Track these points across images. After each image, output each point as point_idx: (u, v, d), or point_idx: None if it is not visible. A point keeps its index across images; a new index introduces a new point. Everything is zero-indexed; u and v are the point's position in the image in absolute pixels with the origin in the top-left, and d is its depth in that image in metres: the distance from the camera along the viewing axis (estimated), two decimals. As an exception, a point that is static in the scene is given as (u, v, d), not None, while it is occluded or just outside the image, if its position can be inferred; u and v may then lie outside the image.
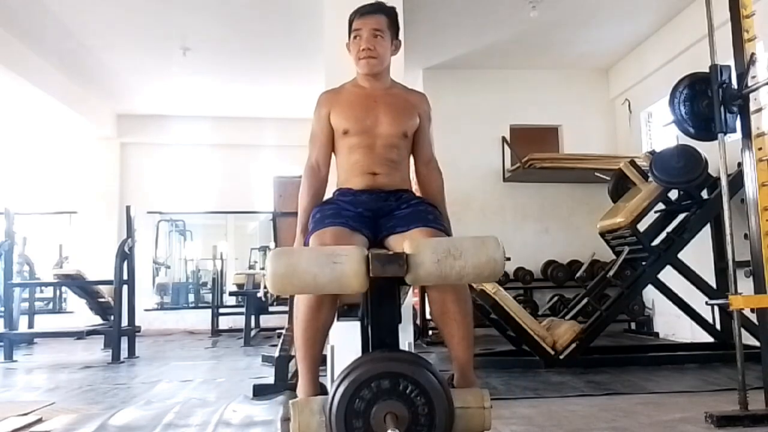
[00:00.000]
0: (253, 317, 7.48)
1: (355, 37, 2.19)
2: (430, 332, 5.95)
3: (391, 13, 2.24)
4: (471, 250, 1.56)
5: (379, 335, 1.70)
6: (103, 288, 6.56)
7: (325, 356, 2.05)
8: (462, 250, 1.56)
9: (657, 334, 6.57)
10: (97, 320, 6.83)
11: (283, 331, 4.42)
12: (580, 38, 6.79)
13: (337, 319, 2.00)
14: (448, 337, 1.93)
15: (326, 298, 1.85)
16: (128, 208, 6.09)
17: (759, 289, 2.73)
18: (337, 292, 1.68)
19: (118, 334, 5.64)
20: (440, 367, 4.77)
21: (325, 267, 1.54)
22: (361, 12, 2.20)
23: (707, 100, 2.95)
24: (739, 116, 2.82)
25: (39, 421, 2.99)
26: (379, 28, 2.17)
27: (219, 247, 9.04)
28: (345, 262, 1.55)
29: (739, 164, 3.11)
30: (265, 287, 6.66)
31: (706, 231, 4.93)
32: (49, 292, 9.25)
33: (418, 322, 5.90)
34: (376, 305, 1.69)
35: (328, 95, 2.29)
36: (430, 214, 2.08)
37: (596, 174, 6.01)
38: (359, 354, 2.09)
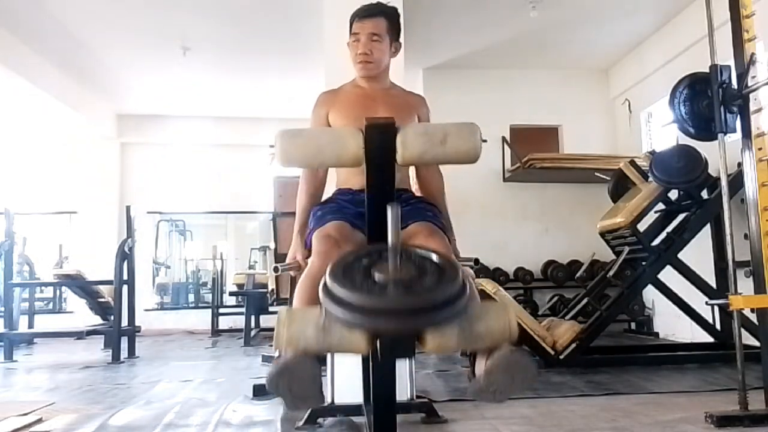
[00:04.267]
0: (253, 317, 7.48)
1: (354, 41, 2.19)
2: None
3: (391, 15, 2.22)
4: (451, 124, 1.67)
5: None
6: (103, 288, 6.56)
7: (324, 358, 2.04)
8: (443, 125, 1.67)
9: (657, 334, 6.56)
10: (97, 320, 6.84)
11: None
12: (580, 38, 6.79)
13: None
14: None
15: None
16: (128, 208, 6.09)
17: (759, 289, 2.73)
18: (337, 161, 1.72)
19: (118, 334, 5.64)
20: (440, 367, 4.77)
21: (325, 134, 1.77)
22: (360, 15, 2.19)
23: (707, 100, 2.96)
24: (739, 116, 2.83)
25: (39, 421, 2.99)
26: (377, 32, 2.17)
27: (219, 247, 9.04)
28: (343, 131, 1.73)
29: (739, 164, 3.11)
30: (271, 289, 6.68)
31: (706, 231, 4.93)
32: (49, 292, 9.26)
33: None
34: (373, 173, 1.71)
35: (327, 95, 2.29)
36: (428, 211, 2.09)
37: (596, 174, 6.01)
38: (359, 357, 2.09)
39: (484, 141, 1.67)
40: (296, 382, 1.32)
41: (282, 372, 1.31)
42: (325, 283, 1.30)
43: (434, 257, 1.36)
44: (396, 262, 1.28)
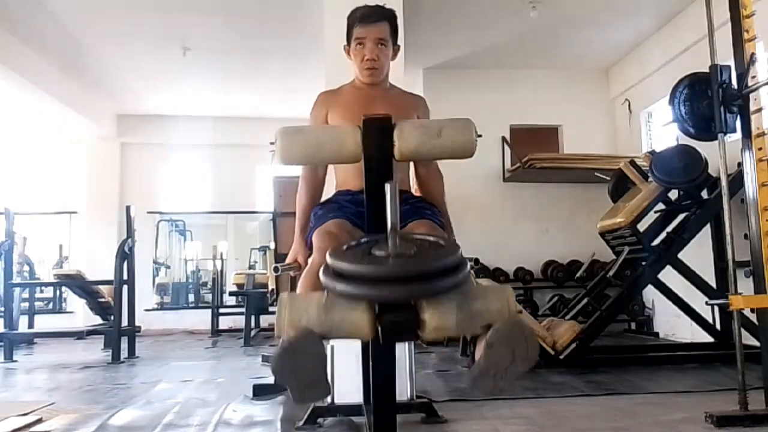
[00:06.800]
0: (253, 317, 7.48)
1: (358, 45, 2.13)
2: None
3: (392, 19, 2.18)
4: (447, 120, 1.72)
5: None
6: (103, 288, 6.56)
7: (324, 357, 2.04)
8: (439, 120, 1.73)
9: (657, 334, 6.56)
10: (97, 320, 6.83)
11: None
12: (580, 38, 6.79)
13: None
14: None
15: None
16: (128, 208, 6.09)
17: (759, 289, 2.73)
18: (336, 157, 1.78)
19: (118, 334, 5.64)
20: (440, 367, 4.78)
21: (324, 131, 1.83)
22: (365, 20, 2.12)
23: (707, 100, 2.96)
24: (739, 116, 2.83)
25: (39, 421, 2.99)
26: (383, 37, 2.13)
27: (219, 247, 9.04)
28: (341, 127, 1.81)
29: (739, 164, 3.11)
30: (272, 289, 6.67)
31: (706, 231, 4.93)
32: (49, 292, 9.26)
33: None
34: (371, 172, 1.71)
35: (327, 95, 2.28)
36: (427, 209, 2.09)
37: (596, 174, 6.01)
38: (359, 355, 2.09)
39: (479, 136, 1.70)
40: (301, 363, 1.27)
41: (286, 352, 1.26)
42: (326, 264, 1.31)
43: (432, 237, 1.40)
44: (395, 240, 1.28)
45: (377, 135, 1.66)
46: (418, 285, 1.23)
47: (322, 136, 1.77)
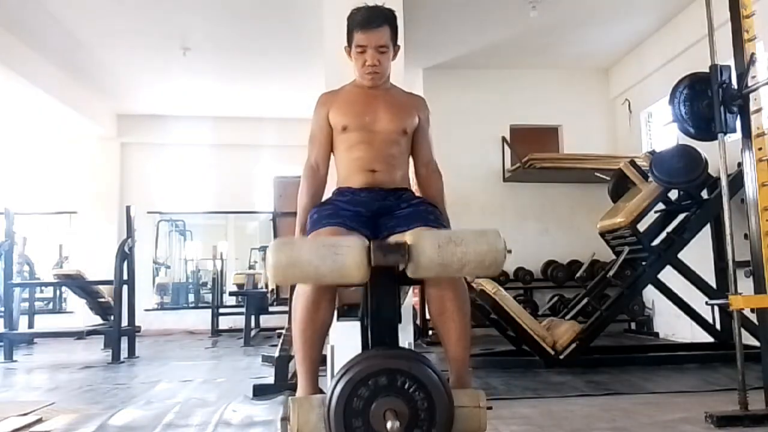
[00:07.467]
0: (253, 317, 7.48)
1: (359, 52, 2.13)
2: (430, 332, 5.95)
3: (392, 22, 2.17)
4: (472, 238, 1.57)
5: (379, 330, 1.69)
6: (103, 288, 6.55)
7: (324, 356, 2.04)
8: (463, 238, 1.57)
9: (657, 334, 6.56)
10: (97, 320, 6.83)
11: (283, 331, 4.42)
12: (580, 38, 6.79)
13: (337, 319, 2.00)
14: (445, 338, 1.93)
15: (324, 298, 1.85)
16: (128, 208, 6.09)
17: (759, 289, 2.73)
18: (339, 283, 1.68)
19: (118, 334, 5.63)
20: (439, 367, 4.76)
21: (327, 258, 1.55)
22: (366, 26, 2.10)
23: (707, 100, 2.95)
24: (739, 116, 2.82)
25: (39, 421, 2.99)
26: (384, 43, 2.12)
27: (219, 247, 9.04)
28: (346, 253, 1.56)
29: (739, 164, 3.11)
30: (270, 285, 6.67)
31: (706, 231, 4.93)
32: (49, 292, 9.25)
33: (418, 322, 5.89)
34: (377, 298, 1.68)
35: (327, 96, 2.29)
36: (431, 214, 2.09)
37: (596, 174, 6.01)
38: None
39: (509, 251, 1.63)
40: None
41: None
42: (328, 417, 1.53)
43: (427, 386, 1.53)
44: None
45: (386, 289, 1.62)
46: None
47: (322, 264, 1.53)
